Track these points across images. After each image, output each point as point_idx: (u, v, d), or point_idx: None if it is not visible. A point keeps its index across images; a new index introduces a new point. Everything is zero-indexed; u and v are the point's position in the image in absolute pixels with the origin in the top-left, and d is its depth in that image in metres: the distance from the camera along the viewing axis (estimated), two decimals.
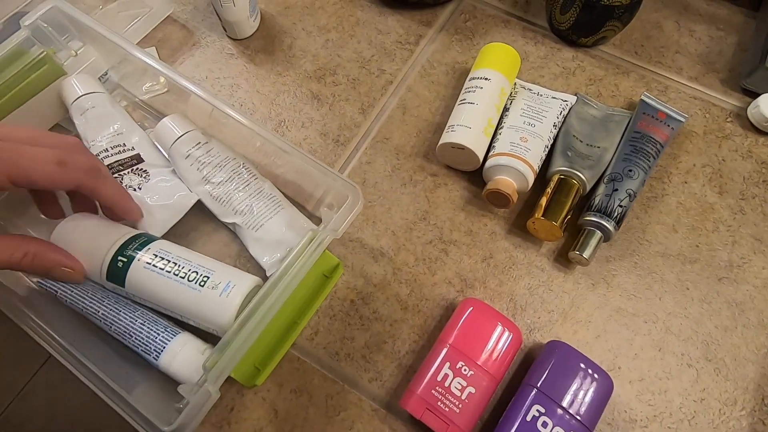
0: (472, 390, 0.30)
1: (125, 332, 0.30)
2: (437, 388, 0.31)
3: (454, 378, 0.31)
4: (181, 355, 0.29)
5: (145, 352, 0.30)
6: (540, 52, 0.47)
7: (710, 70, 0.47)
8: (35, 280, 0.33)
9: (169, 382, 0.30)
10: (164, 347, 0.30)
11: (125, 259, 0.30)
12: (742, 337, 0.35)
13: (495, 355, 0.32)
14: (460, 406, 0.30)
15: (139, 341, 0.30)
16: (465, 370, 0.31)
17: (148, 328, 0.30)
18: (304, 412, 0.33)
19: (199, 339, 0.31)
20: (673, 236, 0.39)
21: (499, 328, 0.32)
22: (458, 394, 0.30)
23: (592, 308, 0.36)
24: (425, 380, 0.31)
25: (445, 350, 0.32)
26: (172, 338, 0.30)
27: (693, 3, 0.50)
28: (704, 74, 0.46)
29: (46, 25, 0.37)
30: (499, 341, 0.32)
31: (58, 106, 0.40)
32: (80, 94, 0.38)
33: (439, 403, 0.30)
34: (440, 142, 0.39)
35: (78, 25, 0.38)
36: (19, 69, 0.37)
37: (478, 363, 0.31)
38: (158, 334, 0.30)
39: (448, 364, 0.31)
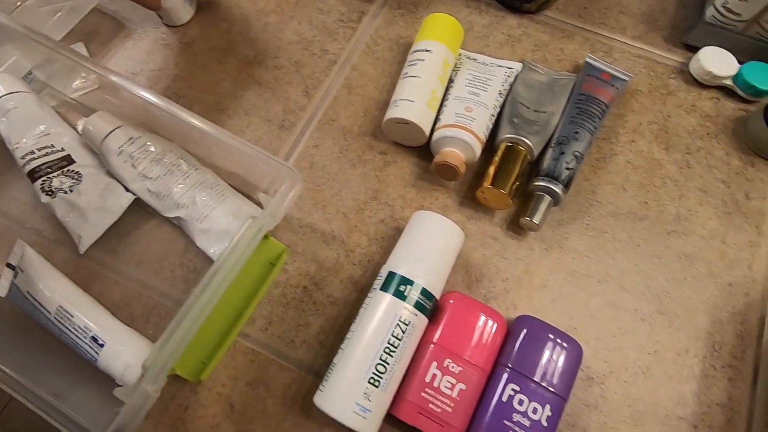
0: (463, 386, 0.30)
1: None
2: (427, 390, 0.30)
3: (443, 377, 0.30)
4: (123, 354, 0.28)
5: (85, 351, 0.29)
6: (484, 20, 0.47)
7: (653, 28, 0.47)
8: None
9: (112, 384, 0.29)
10: (104, 344, 0.28)
11: None
12: (692, 287, 0.36)
13: (482, 347, 0.31)
14: (452, 405, 0.29)
15: (78, 338, 0.29)
16: (453, 367, 0.30)
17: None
18: (261, 404, 0.32)
19: (143, 336, 0.30)
20: (623, 195, 0.39)
21: (482, 319, 0.31)
22: (449, 392, 0.29)
23: (547, 273, 0.36)
24: (414, 384, 0.30)
25: (430, 349, 0.31)
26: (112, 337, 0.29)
27: None
28: (647, 33, 0.46)
29: None
30: (483, 333, 0.31)
31: None
32: (1, 94, 0.36)
33: (430, 405, 0.29)
34: (385, 118, 0.38)
35: None
36: None
37: (465, 358, 0.30)
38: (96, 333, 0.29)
39: (434, 363, 0.30)
